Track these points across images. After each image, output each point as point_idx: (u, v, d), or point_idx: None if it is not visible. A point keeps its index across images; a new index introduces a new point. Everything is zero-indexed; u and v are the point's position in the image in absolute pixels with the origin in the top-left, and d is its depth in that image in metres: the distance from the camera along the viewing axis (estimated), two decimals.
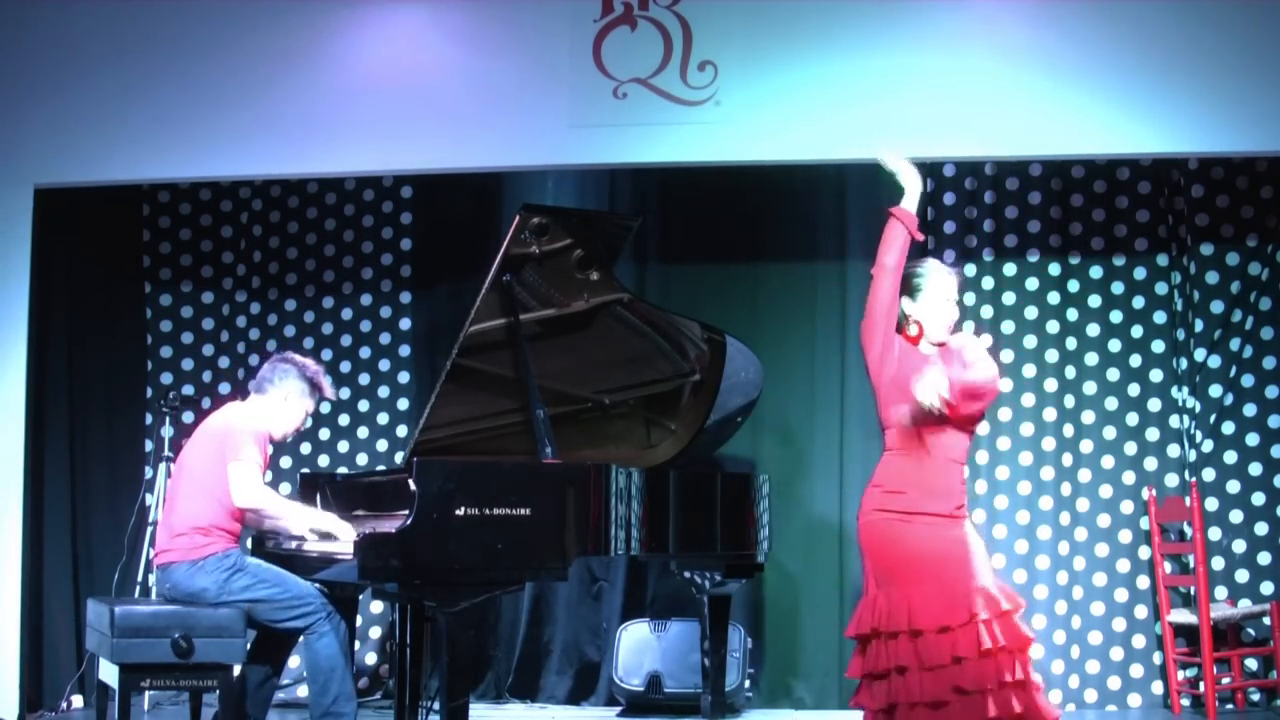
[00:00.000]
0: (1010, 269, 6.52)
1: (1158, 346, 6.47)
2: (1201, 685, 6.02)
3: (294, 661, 5.42)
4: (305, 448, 6.82)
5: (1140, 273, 6.50)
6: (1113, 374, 6.47)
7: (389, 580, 4.34)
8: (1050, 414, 6.43)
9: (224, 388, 6.82)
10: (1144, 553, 6.38)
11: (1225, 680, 6.13)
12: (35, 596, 6.20)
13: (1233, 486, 6.33)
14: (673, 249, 6.73)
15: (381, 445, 6.80)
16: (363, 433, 6.82)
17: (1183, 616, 6.14)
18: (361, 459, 6.79)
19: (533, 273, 4.82)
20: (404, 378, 6.83)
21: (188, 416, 6.64)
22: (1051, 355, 6.46)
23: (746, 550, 5.28)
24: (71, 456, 6.46)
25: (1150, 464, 6.43)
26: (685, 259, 6.72)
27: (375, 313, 6.86)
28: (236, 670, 4.91)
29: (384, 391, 6.83)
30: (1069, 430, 6.43)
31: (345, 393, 6.80)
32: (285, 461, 6.83)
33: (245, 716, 5.00)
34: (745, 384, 5.41)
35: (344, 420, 6.82)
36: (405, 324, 6.85)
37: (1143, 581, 6.39)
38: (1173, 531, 6.38)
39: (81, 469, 6.52)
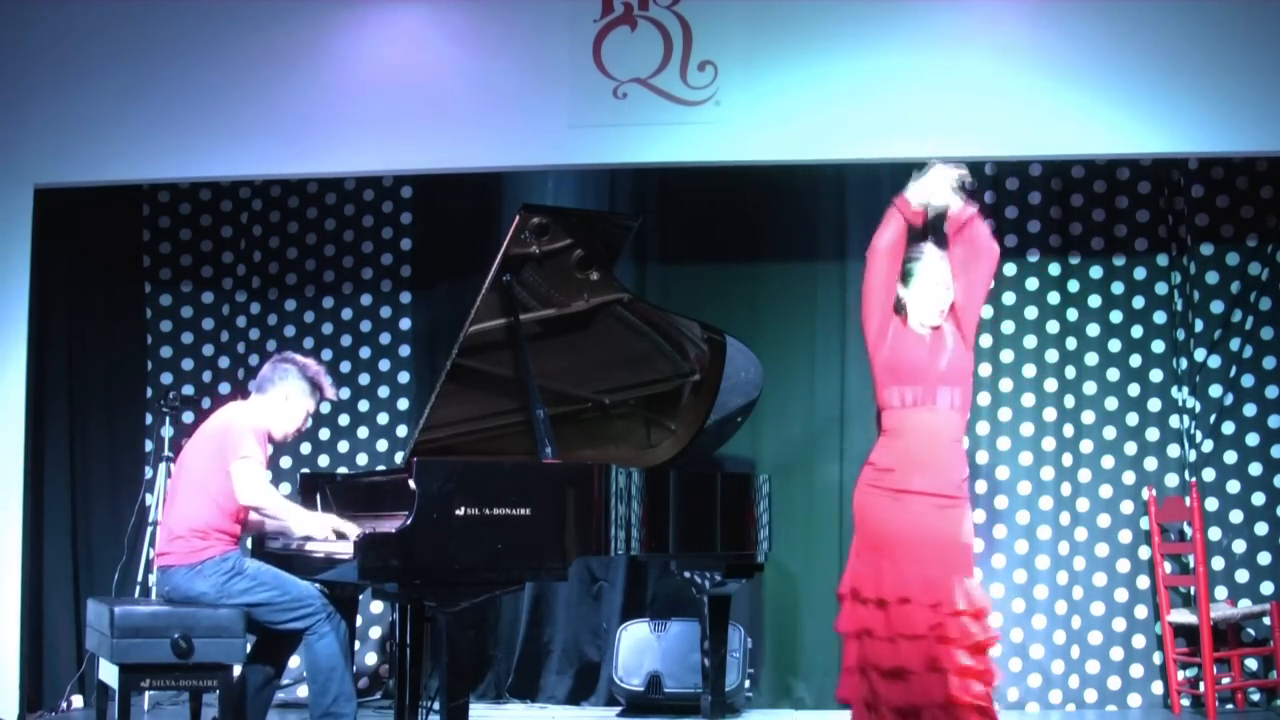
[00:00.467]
0: (1010, 269, 6.52)
1: (1158, 346, 6.47)
2: (1201, 685, 6.02)
3: (294, 662, 5.42)
4: (305, 448, 6.83)
5: (1140, 273, 6.50)
6: (1113, 374, 6.47)
7: (389, 580, 4.34)
8: (1050, 414, 6.43)
9: (224, 388, 6.82)
10: (1144, 553, 6.38)
11: (1225, 680, 6.13)
12: (35, 596, 6.20)
13: (1233, 486, 6.33)
14: (673, 249, 6.73)
15: (381, 445, 6.80)
16: (363, 433, 6.82)
17: (1183, 616, 6.14)
18: (361, 459, 6.79)
19: (533, 273, 4.82)
20: (404, 378, 6.83)
21: (188, 416, 6.64)
22: (1051, 355, 6.47)
23: (746, 550, 5.28)
24: (71, 456, 6.46)
25: (1150, 464, 6.43)
26: (685, 259, 6.72)
27: (375, 313, 6.86)
28: (237, 670, 4.91)
29: (384, 391, 6.83)
30: (1069, 430, 6.43)
31: (345, 393, 6.80)
32: (285, 461, 6.83)
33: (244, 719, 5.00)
34: (745, 384, 5.41)
35: (344, 420, 6.82)
36: (405, 324, 6.85)
37: (1143, 581, 6.39)
38: (1173, 531, 6.38)
39: (81, 469, 6.52)
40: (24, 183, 6.20)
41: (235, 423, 4.95)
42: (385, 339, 6.85)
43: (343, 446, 6.81)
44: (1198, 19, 5.79)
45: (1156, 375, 6.46)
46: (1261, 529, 6.30)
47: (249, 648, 4.93)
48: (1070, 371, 6.48)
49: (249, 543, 5.34)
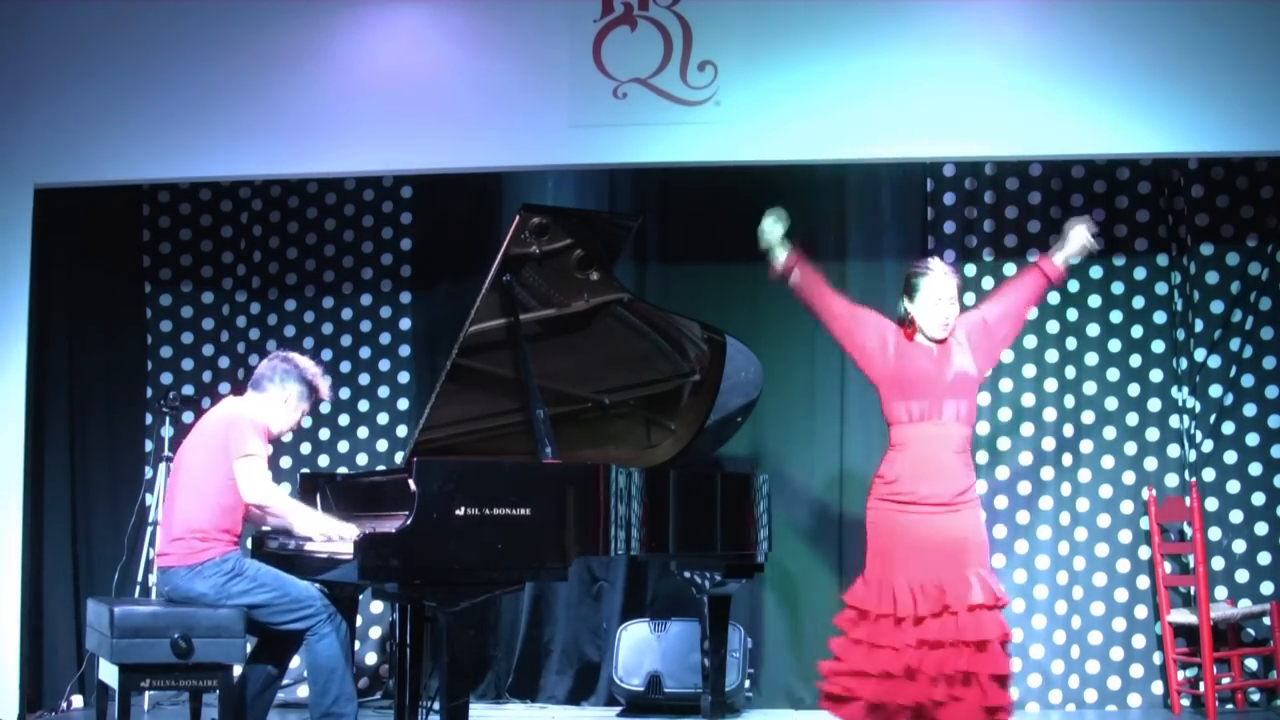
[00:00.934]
0: (1010, 269, 6.52)
1: (1158, 346, 6.47)
2: (1201, 685, 6.02)
3: (294, 662, 5.42)
4: (305, 448, 6.83)
5: (1140, 273, 6.50)
6: (1113, 374, 6.47)
7: (389, 580, 4.34)
8: (1050, 414, 6.43)
9: (224, 387, 6.81)
10: (1144, 553, 6.38)
11: (1225, 680, 6.13)
12: (35, 596, 6.20)
13: (1233, 486, 6.33)
14: (673, 249, 6.73)
15: (381, 445, 6.80)
16: (363, 433, 6.82)
17: (1183, 616, 6.14)
18: (361, 459, 6.79)
19: (533, 273, 4.82)
20: (404, 378, 6.83)
21: (188, 416, 6.63)
22: (1051, 355, 6.47)
23: (746, 550, 5.28)
24: (71, 456, 6.46)
25: (1150, 464, 6.43)
26: (685, 259, 6.72)
27: (375, 313, 6.86)
28: (237, 671, 4.91)
29: (384, 391, 6.83)
30: (1069, 430, 6.43)
31: (345, 393, 6.81)
32: (285, 461, 6.83)
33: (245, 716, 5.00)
34: (745, 384, 5.41)
35: (344, 420, 6.82)
36: (405, 324, 6.85)
37: (1143, 581, 6.39)
38: (1173, 531, 6.38)
39: (81, 469, 6.52)
40: (24, 183, 6.20)
41: (237, 420, 4.93)
42: (385, 339, 6.85)
43: (343, 446, 6.81)
44: (1198, 19, 5.79)
45: (1156, 375, 6.46)
46: (1261, 529, 6.30)
47: (250, 648, 4.93)
48: (1070, 371, 6.48)
49: (249, 543, 5.33)
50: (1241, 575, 6.30)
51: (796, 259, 4.87)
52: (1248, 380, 6.37)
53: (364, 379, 6.84)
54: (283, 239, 6.93)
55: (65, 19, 6.24)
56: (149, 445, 6.73)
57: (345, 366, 6.84)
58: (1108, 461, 6.44)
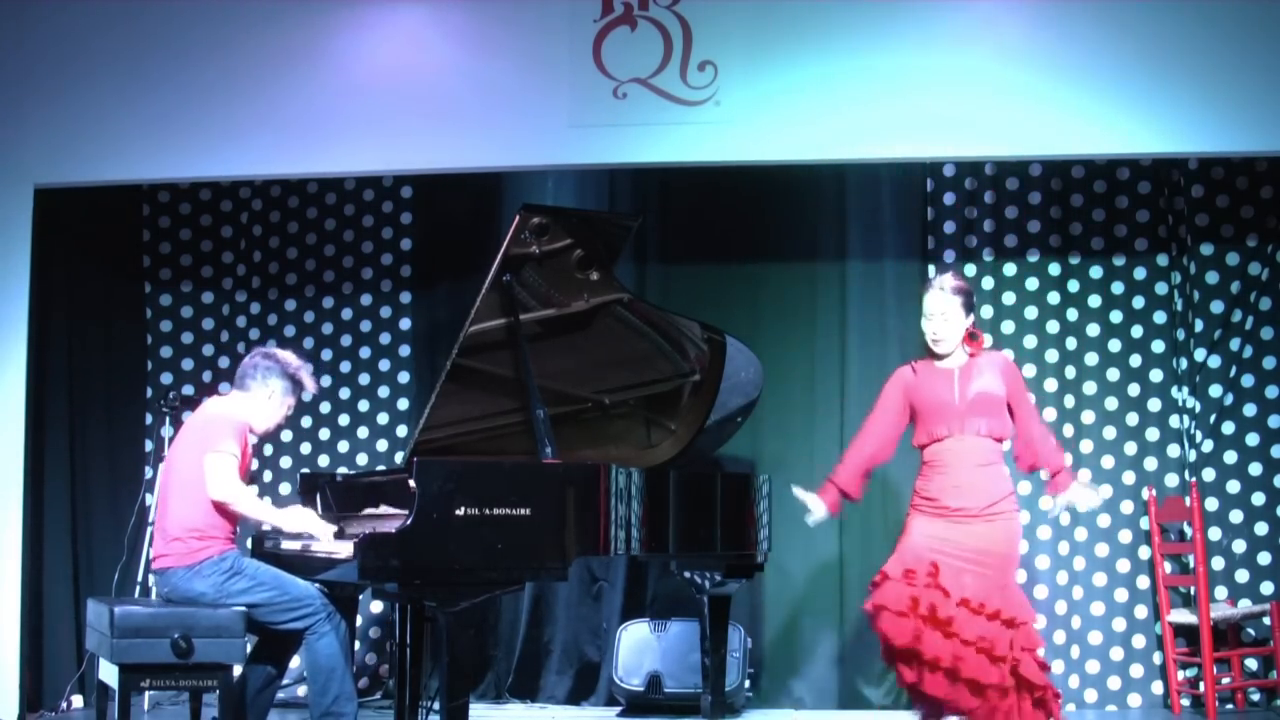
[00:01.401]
0: (1010, 269, 6.53)
1: (1158, 346, 6.47)
2: (1201, 685, 6.02)
3: (294, 661, 5.42)
4: (305, 448, 6.83)
5: (1140, 273, 6.50)
6: (1113, 374, 6.47)
7: (389, 580, 4.34)
8: (1050, 414, 6.43)
9: (224, 388, 6.79)
10: (1144, 553, 6.38)
11: (1225, 680, 6.13)
12: (35, 596, 6.20)
13: (1233, 486, 6.33)
14: (673, 249, 6.73)
15: (381, 445, 6.80)
16: (363, 433, 6.82)
17: (1183, 616, 6.14)
18: (361, 459, 6.79)
19: (533, 273, 4.82)
20: (404, 378, 6.83)
21: (187, 416, 6.63)
22: (1051, 355, 6.47)
23: (746, 550, 5.28)
24: (71, 456, 6.46)
25: (1150, 464, 6.43)
26: (685, 259, 6.72)
27: (375, 313, 6.86)
28: (237, 671, 4.91)
29: (384, 391, 6.83)
30: (1069, 430, 6.43)
31: (345, 393, 6.81)
32: (285, 461, 6.83)
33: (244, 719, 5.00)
34: (745, 384, 5.41)
35: (344, 420, 6.82)
36: (405, 324, 6.85)
37: (1143, 581, 6.39)
38: (1173, 531, 6.38)
39: (81, 469, 6.52)
40: (24, 183, 6.20)
41: (215, 418, 4.95)
42: (385, 339, 6.85)
43: (343, 446, 6.81)
44: (1198, 19, 5.79)
45: (1156, 375, 6.46)
46: (1261, 529, 6.30)
47: (249, 648, 4.92)
48: (1070, 371, 6.47)
49: (249, 543, 5.34)
50: (1241, 575, 6.30)
51: (833, 498, 5.01)
52: (1248, 380, 6.37)
53: (364, 379, 6.84)
54: (283, 239, 6.93)
55: (65, 19, 6.24)
56: (149, 445, 6.73)
57: (345, 366, 6.84)
58: (1108, 461, 6.43)
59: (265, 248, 6.93)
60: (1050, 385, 6.44)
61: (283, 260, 6.93)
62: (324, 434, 6.82)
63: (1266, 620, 6.09)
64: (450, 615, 4.32)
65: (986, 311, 6.48)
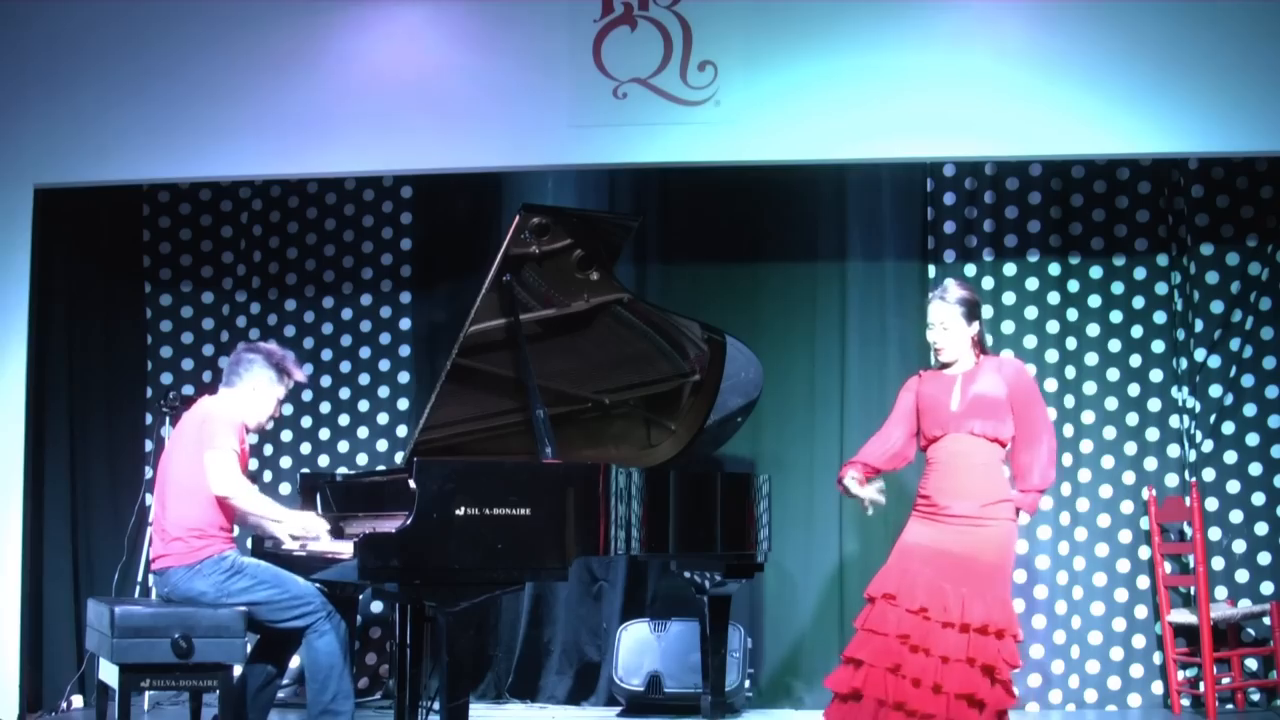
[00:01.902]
0: (1010, 269, 6.53)
1: (1158, 346, 6.47)
2: (1201, 685, 6.02)
3: (293, 661, 5.42)
4: (305, 448, 6.83)
5: (1140, 273, 6.50)
6: (1113, 374, 6.47)
7: (389, 580, 4.34)
8: (1050, 414, 6.41)
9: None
10: (1144, 553, 6.38)
11: (1225, 680, 6.13)
12: (35, 596, 6.19)
13: (1233, 486, 6.33)
14: (673, 249, 6.73)
15: (381, 445, 6.80)
16: (363, 433, 6.82)
17: (1183, 616, 6.14)
18: (361, 459, 6.79)
19: (533, 273, 4.82)
20: (404, 378, 6.83)
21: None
22: (1051, 355, 6.47)
23: (746, 550, 5.28)
24: (71, 456, 6.46)
25: (1150, 464, 6.43)
26: (685, 259, 6.72)
27: (375, 313, 6.86)
28: (237, 671, 4.91)
29: (384, 391, 6.83)
30: (1069, 430, 6.43)
31: (345, 393, 6.81)
32: (285, 461, 6.83)
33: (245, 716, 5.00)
34: (745, 384, 5.41)
35: (344, 420, 6.82)
36: (405, 324, 6.85)
37: (1143, 581, 6.39)
38: (1173, 531, 6.38)
39: (81, 469, 6.51)
40: (24, 183, 6.20)
41: (210, 416, 4.95)
42: (385, 339, 6.85)
43: (343, 446, 6.81)
44: (1198, 19, 5.79)
45: (1156, 375, 6.46)
46: (1261, 529, 6.30)
47: (249, 647, 4.92)
48: (1070, 371, 6.48)
49: (249, 543, 5.34)
50: (1241, 575, 6.30)
51: (861, 472, 4.97)
52: (1248, 380, 6.37)
53: (364, 379, 6.84)
54: (283, 239, 6.93)
55: (65, 19, 6.24)
56: (149, 445, 6.73)
57: (345, 366, 6.84)
58: (1108, 461, 6.44)
59: (265, 248, 6.93)
60: (1050, 385, 6.44)
61: (283, 260, 6.93)
62: (324, 434, 6.82)
63: (1266, 620, 6.09)
64: (450, 615, 4.32)
65: (987, 311, 6.45)
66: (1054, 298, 6.49)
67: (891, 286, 6.56)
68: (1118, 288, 6.49)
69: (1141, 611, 6.37)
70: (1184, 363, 6.42)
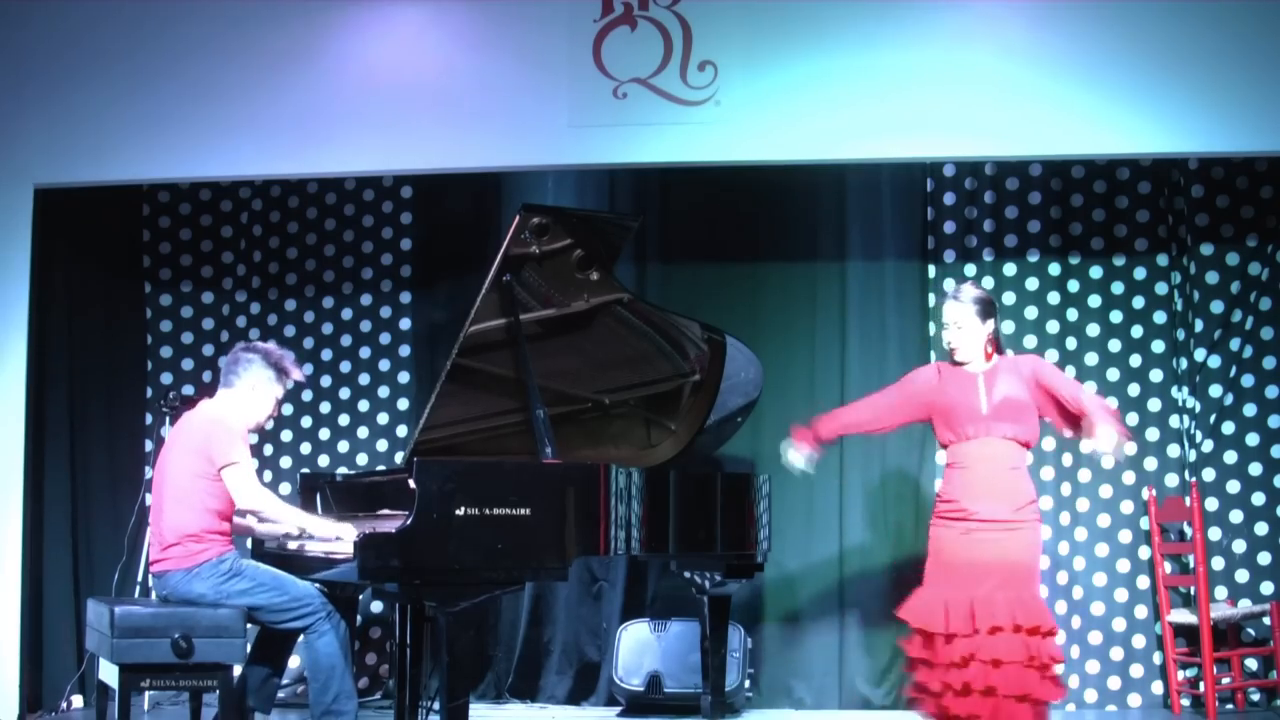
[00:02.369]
0: (1010, 269, 6.52)
1: (1158, 346, 6.47)
2: (1201, 685, 6.02)
3: (294, 661, 5.43)
4: (305, 448, 6.83)
5: (1140, 273, 6.50)
6: (1113, 374, 6.47)
7: (389, 580, 4.34)
8: None
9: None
10: (1144, 553, 6.38)
11: (1225, 680, 6.13)
12: (35, 596, 6.19)
13: (1233, 486, 6.33)
14: (673, 249, 6.73)
15: (381, 445, 6.80)
16: (363, 433, 6.82)
17: (1183, 616, 6.14)
18: (361, 459, 6.79)
19: (533, 273, 4.82)
20: (404, 378, 6.83)
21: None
22: (1051, 355, 6.46)
23: (746, 550, 5.28)
24: (71, 456, 6.46)
25: (1150, 464, 6.43)
26: (685, 259, 6.72)
27: (375, 313, 6.86)
28: (237, 671, 4.91)
29: (384, 391, 6.82)
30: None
31: (345, 393, 6.81)
32: (285, 461, 6.83)
33: (248, 713, 4.99)
34: (745, 384, 5.41)
35: (344, 420, 6.82)
36: (405, 324, 6.85)
37: (1143, 581, 6.39)
38: (1173, 531, 6.38)
39: (81, 469, 6.51)
40: (24, 183, 6.20)
41: (216, 426, 4.93)
42: (385, 339, 6.85)
43: (343, 446, 6.81)
44: (1198, 19, 5.79)
45: (1156, 375, 6.46)
46: (1261, 529, 6.30)
47: (249, 647, 4.92)
48: (1070, 372, 6.46)
49: (249, 544, 5.33)
50: (1241, 575, 6.30)
51: (810, 438, 5.00)
52: (1248, 380, 6.37)
53: (364, 379, 6.84)
54: (283, 239, 6.93)
55: (65, 18, 6.24)
56: (149, 445, 6.73)
57: (345, 366, 6.84)
58: (1108, 461, 6.43)
59: (265, 248, 6.93)
60: None
61: (283, 260, 6.93)
62: (324, 434, 6.82)
63: (1266, 620, 6.09)
64: (450, 615, 4.32)
65: None
66: (1054, 298, 6.49)
67: (891, 286, 6.56)
68: (1118, 288, 6.49)
69: (1141, 611, 6.37)
70: (1184, 363, 6.42)
